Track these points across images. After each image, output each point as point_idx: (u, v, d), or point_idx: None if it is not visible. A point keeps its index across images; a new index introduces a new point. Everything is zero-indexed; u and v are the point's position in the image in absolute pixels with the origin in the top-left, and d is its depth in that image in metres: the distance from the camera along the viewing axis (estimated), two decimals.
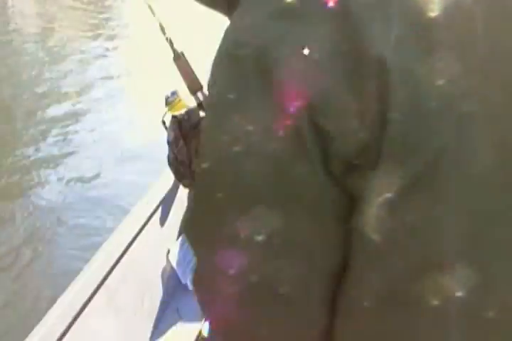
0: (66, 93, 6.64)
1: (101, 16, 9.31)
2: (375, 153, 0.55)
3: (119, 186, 4.59)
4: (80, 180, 4.79)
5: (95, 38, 8.54)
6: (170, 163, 0.93)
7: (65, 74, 7.21)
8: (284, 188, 0.57)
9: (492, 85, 0.58)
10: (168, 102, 1.00)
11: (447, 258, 0.57)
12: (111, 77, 7.18)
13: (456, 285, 0.57)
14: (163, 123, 1.00)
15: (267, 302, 0.61)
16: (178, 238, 2.75)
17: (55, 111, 6.19)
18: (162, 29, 0.98)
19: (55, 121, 5.92)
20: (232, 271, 0.60)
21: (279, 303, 0.61)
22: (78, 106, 6.34)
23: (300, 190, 0.57)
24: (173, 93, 1.01)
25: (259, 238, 0.58)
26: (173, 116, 0.93)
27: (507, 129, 0.58)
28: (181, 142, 0.89)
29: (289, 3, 0.56)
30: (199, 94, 0.97)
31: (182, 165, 0.90)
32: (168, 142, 0.92)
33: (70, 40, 8.40)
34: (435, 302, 0.57)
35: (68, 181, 4.78)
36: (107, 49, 8.11)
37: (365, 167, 0.55)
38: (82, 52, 7.98)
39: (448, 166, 0.56)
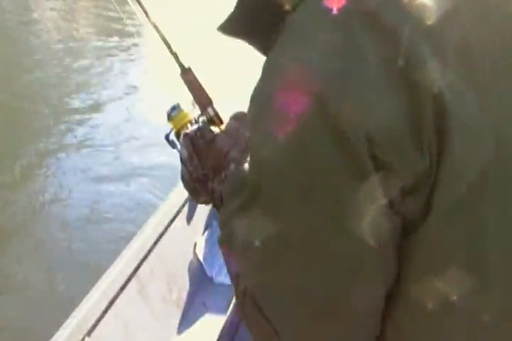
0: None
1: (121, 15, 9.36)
2: (431, 179, 0.56)
3: (146, 183, 4.68)
4: (109, 176, 4.89)
5: (116, 34, 8.57)
6: (184, 181, 0.91)
7: (86, 70, 7.24)
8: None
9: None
10: (172, 118, 0.96)
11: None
12: (133, 74, 7.21)
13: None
14: (167, 138, 0.96)
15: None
16: (204, 232, 2.85)
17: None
18: (168, 46, 0.95)
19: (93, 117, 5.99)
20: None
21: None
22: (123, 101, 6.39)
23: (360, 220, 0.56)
24: (174, 108, 0.96)
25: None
26: (185, 133, 0.90)
27: None
28: (196, 159, 0.87)
29: (334, 41, 0.57)
30: (209, 110, 0.94)
31: (198, 182, 0.88)
32: (182, 160, 0.89)
33: (90, 38, 8.46)
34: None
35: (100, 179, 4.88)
36: (128, 46, 8.15)
37: (420, 192, 0.56)
38: (108, 48, 8.05)
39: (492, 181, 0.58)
